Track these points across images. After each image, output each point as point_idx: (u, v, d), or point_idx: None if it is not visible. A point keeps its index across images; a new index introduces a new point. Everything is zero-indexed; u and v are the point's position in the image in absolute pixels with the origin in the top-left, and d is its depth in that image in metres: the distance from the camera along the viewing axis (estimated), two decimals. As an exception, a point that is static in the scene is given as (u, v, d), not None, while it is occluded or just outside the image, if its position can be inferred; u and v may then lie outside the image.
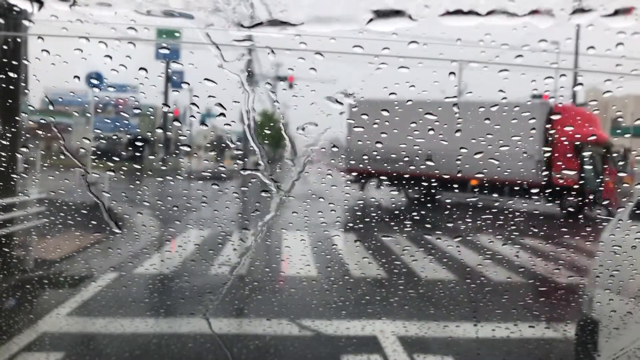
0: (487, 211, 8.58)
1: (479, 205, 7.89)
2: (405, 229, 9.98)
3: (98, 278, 6.39)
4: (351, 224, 10.61)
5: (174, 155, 41.14)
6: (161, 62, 36.11)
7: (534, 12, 1.51)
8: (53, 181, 17.60)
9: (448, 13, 1.46)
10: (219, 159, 38.90)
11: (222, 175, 26.81)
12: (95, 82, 13.62)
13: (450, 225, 9.89)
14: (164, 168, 33.99)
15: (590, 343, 2.91)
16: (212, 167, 30.44)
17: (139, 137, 42.32)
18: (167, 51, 33.88)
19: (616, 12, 1.51)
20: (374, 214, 12.00)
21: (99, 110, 44.50)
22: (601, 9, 1.51)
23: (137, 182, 21.31)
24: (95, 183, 13.03)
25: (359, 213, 13.70)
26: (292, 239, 9.03)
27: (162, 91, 36.74)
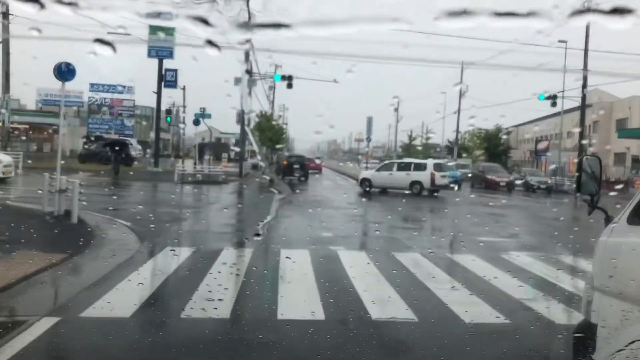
0: None
1: None
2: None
3: (36, 321, 4.68)
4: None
5: (166, 157, 39.35)
6: (156, 59, 34.52)
7: (531, 13, 1.49)
8: (29, 186, 15.59)
9: (446, 14, 1.46)
10: (215, 161, 36.86)
11: (219, 179, 24.51)
12: (65, 74, 11.94)
13: None
14: (156, 170, 32.17)
15: (589, 343, 2.86)
16: (206, 170, 28.40)
17: (128, 138, 40.56)
18: (160, 49, 32.19)
19: (615, 13, 1.48)
20: None
21: (93, 111, 42.53)
22: (600, 10, 1.50)
23: (122, 187, 19.25)
24: (66, 190, 11.33)
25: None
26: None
27: (156, 90, 35.04)
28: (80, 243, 8.52)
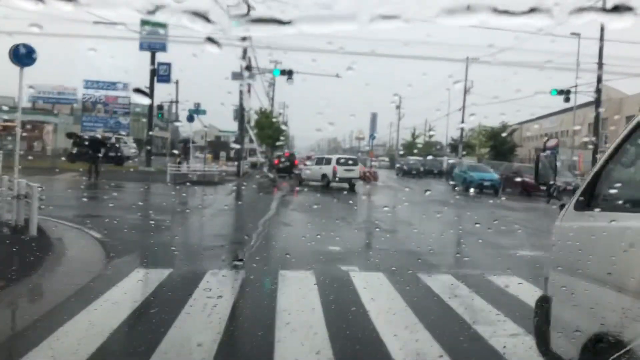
0: None
1: None
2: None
3: None
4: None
5: (163, 156, 37.46)
6: (155, 56, 32.81)
7: (532, 10, 1.52)
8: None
9: (446, 12, 1.48)
10: (214, 160, 35.00)
11: (215, 179, 22.32)
12: (23, 58, 10.22)
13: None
14: (148, 170, 30.36)
15: (547, 313, 3.25)
16: (201, 170, 26.56)
17: (122, 136, 38.77)
18: (152, 41, 30.43)
19: (615, 10, 1.52)
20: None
21: (87, 109, 40.70)
22: (601, 8, 1.55)
23: (107, 189, 17.20)
24: (26, 195, 9.61)
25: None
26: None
27: (148, 85, 33.24)
28: (30, 264, 6.83)
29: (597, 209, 2.96)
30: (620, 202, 2.92)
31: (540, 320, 3.39)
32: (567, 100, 33.04)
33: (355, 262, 7.96)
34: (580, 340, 2.79)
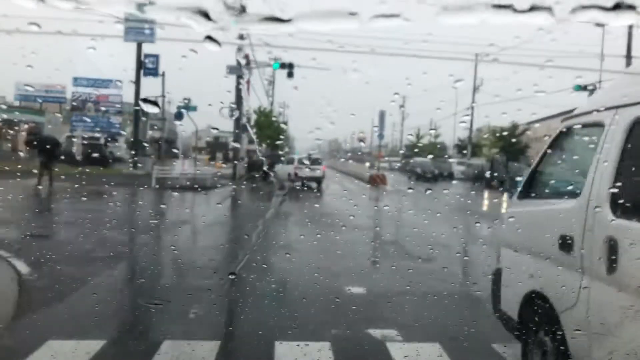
0: None
1: None
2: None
3: None
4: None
5: (147, 157, 34.76)
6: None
7: (533, 8, 1.50)
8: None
9: (447, 10, 1.48)
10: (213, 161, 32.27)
11: (207, 183, 18.95)
12: None
13: None
14: (134, 173, 27.71)
15: (499, 283, 4.21)
16: (192, 173, 23.68)
17: (112, 136, 36.20)
18: (139, 31, 27.76)
19: (616, 8, 1.52)
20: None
21: (76, 108, 38.08)
22: (602, 6, 1.54)
23: (76, 195, 14.22)
24: None
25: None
26: None
27: (133, 80, 30.64)
28: None
29: (531, 198, 4.01)
30: (546, 192, 3.94)
31: (494, 288, 4.26)
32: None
33: (391, 318, 5.30)
34: (519, 298, 3.71)
